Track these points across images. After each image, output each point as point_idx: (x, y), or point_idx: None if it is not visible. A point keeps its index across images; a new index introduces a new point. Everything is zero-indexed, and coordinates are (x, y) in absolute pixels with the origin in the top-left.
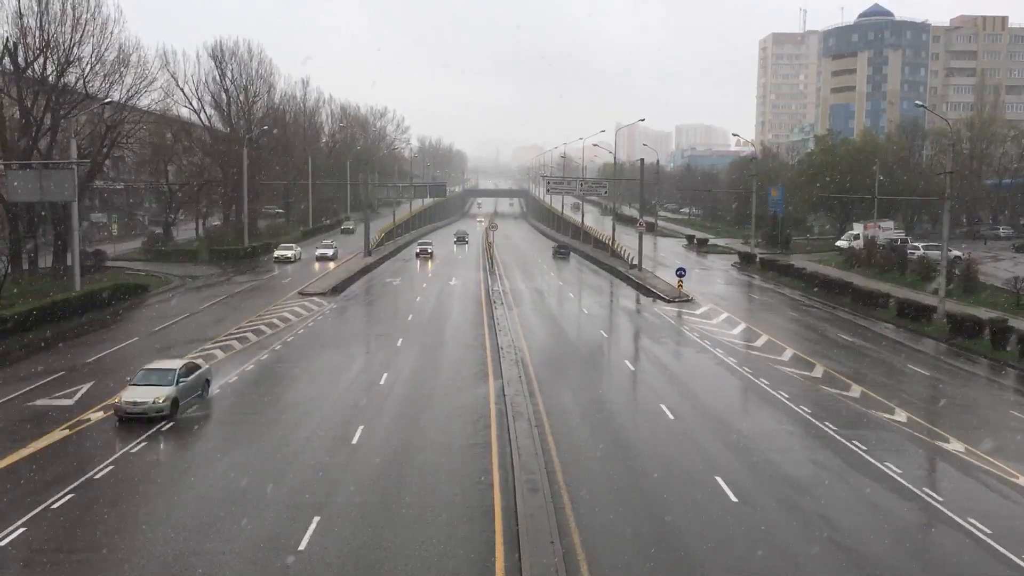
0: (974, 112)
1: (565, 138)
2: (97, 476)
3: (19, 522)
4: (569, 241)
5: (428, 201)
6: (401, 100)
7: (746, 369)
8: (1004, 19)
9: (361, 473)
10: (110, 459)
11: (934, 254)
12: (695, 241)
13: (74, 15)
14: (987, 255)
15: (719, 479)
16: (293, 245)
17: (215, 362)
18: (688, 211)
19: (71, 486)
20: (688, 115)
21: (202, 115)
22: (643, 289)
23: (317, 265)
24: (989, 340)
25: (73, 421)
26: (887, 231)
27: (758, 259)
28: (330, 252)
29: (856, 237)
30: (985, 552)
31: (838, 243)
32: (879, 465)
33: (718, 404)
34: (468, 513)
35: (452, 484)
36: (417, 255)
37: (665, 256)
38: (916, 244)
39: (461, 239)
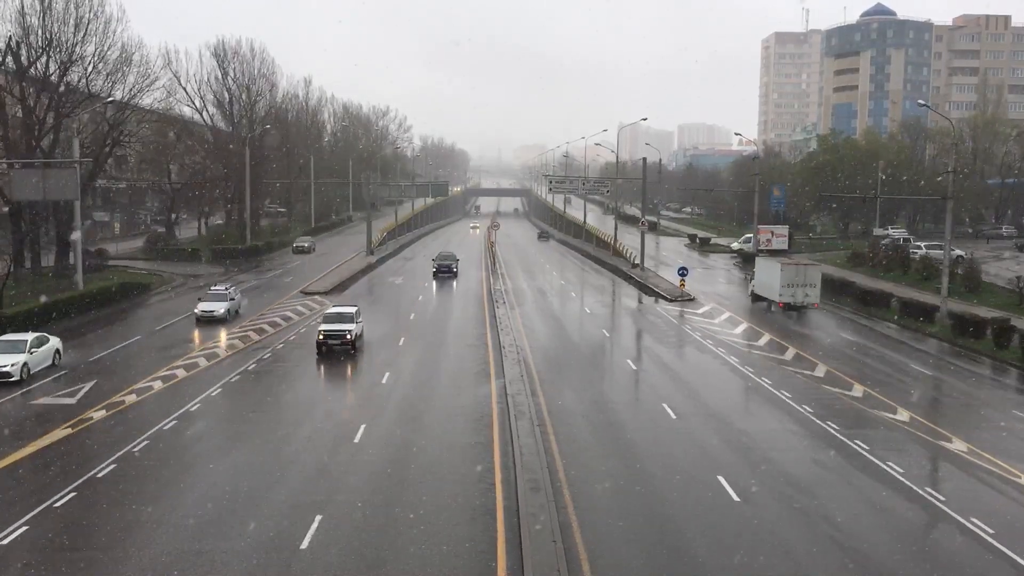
0: (977, 111)
1: (567, 137)
2: (100, 475)
3: (21, 520)
4: (550, 229)
5: (430, 200)
6: (403, 99)
7: (748, 368)
8: (1007, 18)
9: (363, 472)
10: (112, 458)
11: (936, 253)
12: (697, 240)
13: (77, 14)
14: (990, 254)
15: (721, 478)
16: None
17: (217, 361)
18: (690, 210)
19: (73, 485)
20: (690, 114)
21: (204, 114)
22: (645, 288)
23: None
24: (992, 340)
25: (75, 420)
26: (780, 236)
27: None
28: (220, 310)
29: (748, 240)
30: (988, 552)
31: (732, 245)
32: (881, 465)
33: (720, 403)
34: (470, 512)
35: (454, 483)
36: (319, 346)
37: (667, 255)
38: (918, 243)
39: (445, 268)
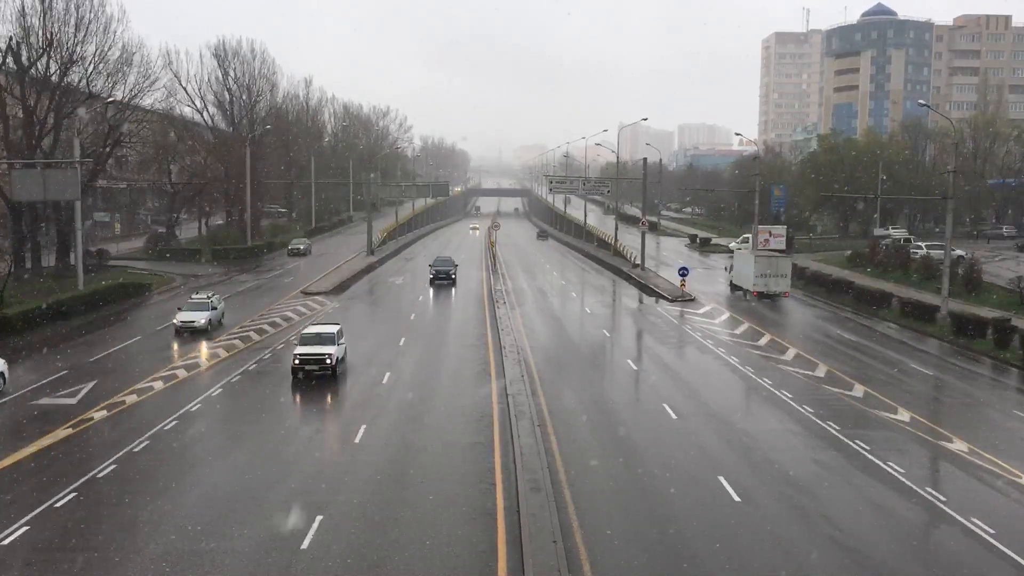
0: (977, 111)
1: (568, 137)
2: (100, 475)
3: (22, 521)
4: (549, 228)
5: (430, 201)
6: (403, 99)
7: (749, 368)
8: (1007, 18)
9: (363, 473)
10: (113, 458)
11: (937, 254)
12: (698, 240)
13: (77, 14)
14: (990, 254)
15: (722, 479)
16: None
17: (218, 361)
18: (691, 210)
19: (74, 485)
20: (691, 114)
21: (205, 114)
22: (646, 288)
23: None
24: (992, 340)
25: (76, 420)
26: (778, 237)
27: None
28: (201, 320)
29: (745, 241)
30: (988, 552)
31: (730, 246)
32: (882, 465)
33: (721, 403)
34: (470, 512)
35: (454, 483)
36: (295, 372)
37: (667, 255)
38: (919, 244)
39: (442, 275)
